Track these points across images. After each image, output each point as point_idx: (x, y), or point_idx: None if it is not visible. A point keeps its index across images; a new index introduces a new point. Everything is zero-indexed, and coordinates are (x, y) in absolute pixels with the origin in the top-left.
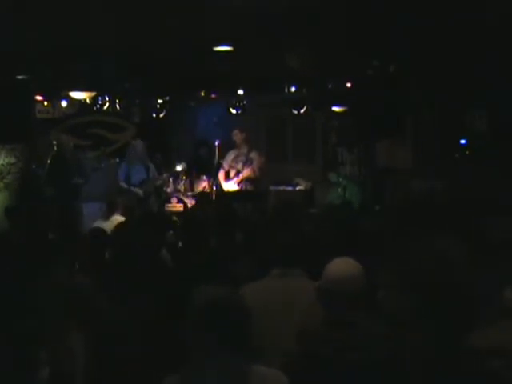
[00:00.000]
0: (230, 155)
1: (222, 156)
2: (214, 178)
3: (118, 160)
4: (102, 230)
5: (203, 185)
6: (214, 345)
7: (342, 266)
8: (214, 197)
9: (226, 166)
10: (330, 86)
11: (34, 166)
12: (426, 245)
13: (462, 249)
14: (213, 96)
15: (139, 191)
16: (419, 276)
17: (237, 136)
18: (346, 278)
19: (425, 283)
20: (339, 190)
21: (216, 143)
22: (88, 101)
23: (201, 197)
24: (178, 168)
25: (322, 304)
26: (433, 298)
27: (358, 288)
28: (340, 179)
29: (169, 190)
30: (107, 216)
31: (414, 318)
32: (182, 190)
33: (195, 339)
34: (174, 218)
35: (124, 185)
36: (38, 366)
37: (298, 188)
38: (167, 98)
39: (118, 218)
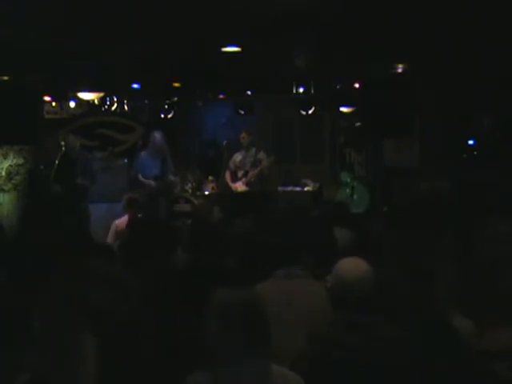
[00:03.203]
0: (238, 156)
1: (230, 157)
2: (220, 178)
3: (126, 160)
4: None
5: (211, 185)
6: (239, 345)
7: (353, 267)
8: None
9: (232, 166)
10: (337, 87)
11: (41, 167)
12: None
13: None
14: (221, 97)
15: (152, 183)
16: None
17: (244, 138)
18: (357, 279)
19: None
20: (347, 190)
21: (224, 144)
22: (96, 101)
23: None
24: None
25: (333, 305)
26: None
27: (369, 289)
28: (348, 180)
29: (176, 190)
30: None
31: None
32: (190, 190)
33: (220, 340)
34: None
35: (140, 177)
36: (17, 369)
37: (305, 189)
38: (175, 99)
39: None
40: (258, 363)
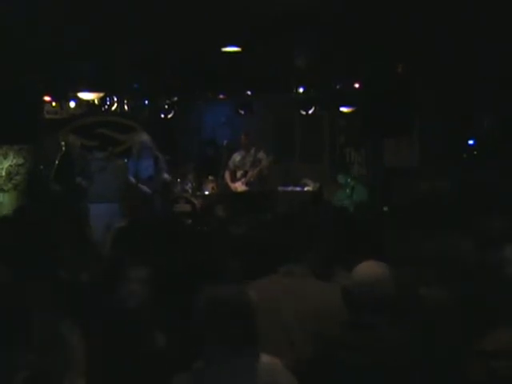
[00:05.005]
0: (237, 156)
1: (230, 156)
2: (220, 178)
3: (126, 160)
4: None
5: (211, 185)
6: (224, 343)
7: (371, 270)
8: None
9: (231, 166)
10: (337, 87)
11: (41, 167)
12: (452, 245)
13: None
14: (221, 96)
15: (146, 189)
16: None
17: (243, 140)
18: (375, 282)
19: (451, 282)
20: (347, 190)
21: (224, 143)
22: (96, 101)
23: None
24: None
25: (347, 306)
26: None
27: (386, 291)
28: (348, 180)
29: (176, 190)
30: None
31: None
32: (190, 190)
33: (206, 338)
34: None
35: (132, 180)
36: (17, 367)
37: (306, 189)
38: (175, 99)
39: None
40: (246, 361)
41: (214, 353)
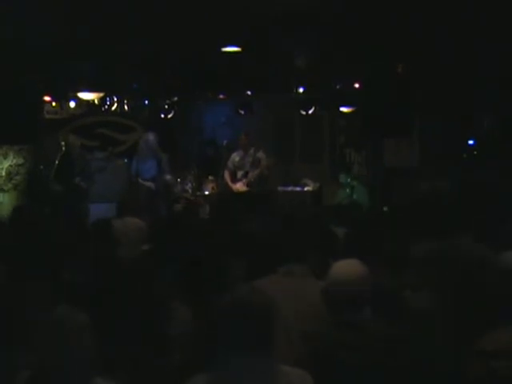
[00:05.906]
0: (236, 156)
1: (230, 156)
2: (220, 178)
3: (126, 160)
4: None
5: (211, 185)
6: (240, 345)
7: (347, 268)
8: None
9: (231, 166)
10: (337, 87)
11: (41, 167)
12: (450, 246)
13: (486, 249)
14: (221, 97)
15: (151, 185)
16: (445, 276)
17: (242, 140)
18: (352, 280)
19: (450, 284)
20: (347, 190)
21: (224, 143)
22: (96, 101)
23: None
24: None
25: (327, 306)
26: (457, 298)
27: (363, 289)
28: (349, 180)
29: (176, 190)
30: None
31: (438, 317)
32: (190, 190)
33: (222, 340)
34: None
35: (139, 180)
36: (16, 367)
37: (305, 189)
38: (175, 99)
39: (130, 219)
40: (260, 363)
41: (228, 355)
